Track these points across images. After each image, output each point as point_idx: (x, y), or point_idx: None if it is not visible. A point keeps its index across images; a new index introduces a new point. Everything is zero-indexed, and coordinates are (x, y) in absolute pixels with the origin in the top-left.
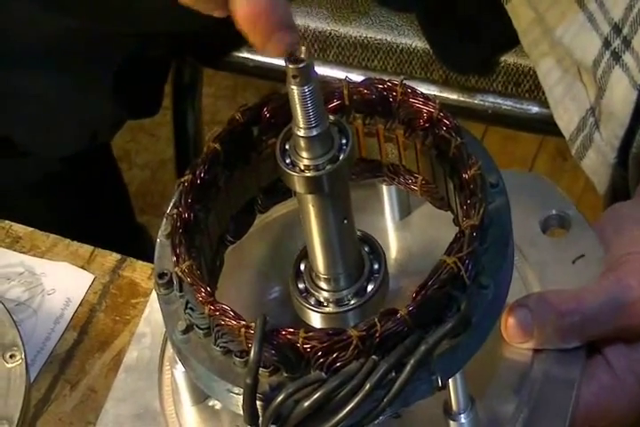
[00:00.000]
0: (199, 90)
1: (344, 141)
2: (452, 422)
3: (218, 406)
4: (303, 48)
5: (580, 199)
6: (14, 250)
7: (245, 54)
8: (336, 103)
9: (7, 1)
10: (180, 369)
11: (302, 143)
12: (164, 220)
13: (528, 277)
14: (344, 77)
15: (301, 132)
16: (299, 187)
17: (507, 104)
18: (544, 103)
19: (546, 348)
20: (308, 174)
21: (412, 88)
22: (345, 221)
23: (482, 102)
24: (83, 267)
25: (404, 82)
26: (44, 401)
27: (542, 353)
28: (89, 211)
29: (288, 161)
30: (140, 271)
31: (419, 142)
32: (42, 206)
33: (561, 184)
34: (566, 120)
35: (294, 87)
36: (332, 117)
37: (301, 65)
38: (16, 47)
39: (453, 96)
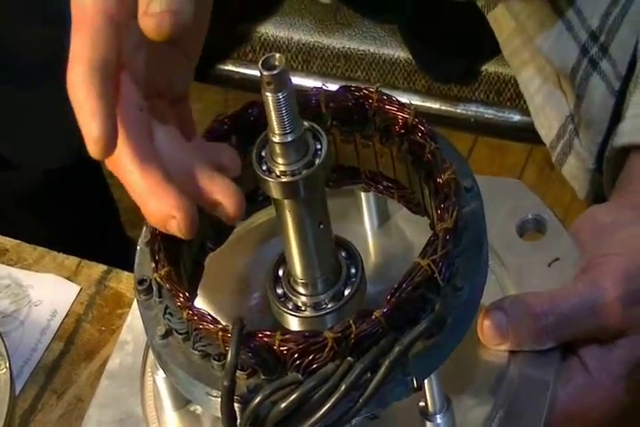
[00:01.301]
0: None
1: (319, 147)
2: (428, 423)
3: (199, 411)
4: (277, 55)
5: (568, 209)
6: (1, 262)
7: (230, 67)
8: (313, 111)
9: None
10: (161, 375)
11: (278, 149)
12: (144, 227)
13: (504, 280)
14: (320, 85)
15: (276, 138)
16: (275, 192)
17: (489, 113)
18: (525, 111)
19: (522, 349)
20: (284, 180)
21: (388, 95)
22: (321, 226)
23: (464, 111)
24: (69, 278)
25: (380, 89)
26: (30, 411)
27: (518, 355)
28: (77, 223)
29: (264, 167)
30: (125, 282)
31: (395, 149)
32: (30, 219)
33: (549, 194)
34: (547, 127)
35: (269, 94)
36: (306, 123)
37: (275, 72)
38: (6, 61)
39: (436, 105)
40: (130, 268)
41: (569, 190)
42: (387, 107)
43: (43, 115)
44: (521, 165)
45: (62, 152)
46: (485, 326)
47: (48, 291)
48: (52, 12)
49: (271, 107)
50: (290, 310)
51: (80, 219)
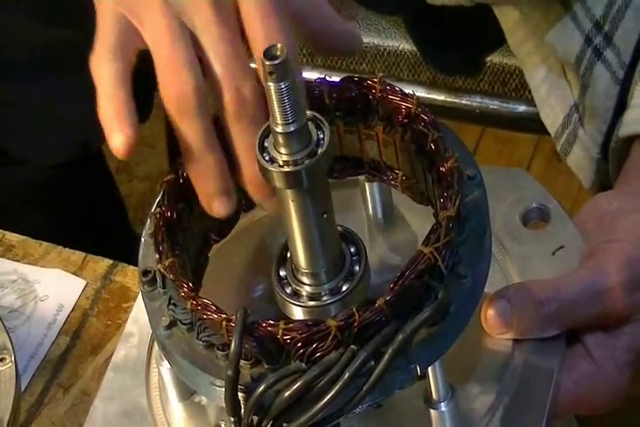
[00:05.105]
0: None
1: (321, 136)
2: (432, 411)
3: (204, 401)
4: (279, 45)
5: (575, 200)
6: (7, 258)
7: None
8: (316, 102)
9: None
10: (166, 366)
11: (280, 139)
12: (149, 219)
13: (509, 269)
14: (323, 76)
15: (279, 128)
16: (278, 182)
17: (494, 104)
18: (530, 102)
19: (526, 338)
20: (287, 169)
21: (391, 85)
22: (324, 216)
23: (469, 103)
24: (75, 273)
25: (383, 79)
26: (37, 405)
27: (523, 342)
28: (83, 219)
29: (267, 157)
30: (131, 276)
31: (398, 138)
32: (36, 215)
33: (557, 185)
34: (552, 117)
35: (271, 84)
36: (308, 113)
37: (277, 62)
38: (7, 56)
39: (441, 97)
40: (137, 263)
41: (577, 181)
42: (390, 96)
43: (45, 110)
44: (528, 157)
45: (66, 147)
46: (489, 315)
47: (54, 286)
48: (48, 7)
49: (273, 97)
50: (294, 300)
51: (86, 215)
